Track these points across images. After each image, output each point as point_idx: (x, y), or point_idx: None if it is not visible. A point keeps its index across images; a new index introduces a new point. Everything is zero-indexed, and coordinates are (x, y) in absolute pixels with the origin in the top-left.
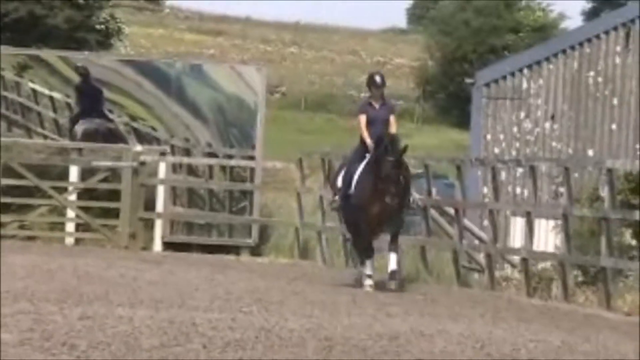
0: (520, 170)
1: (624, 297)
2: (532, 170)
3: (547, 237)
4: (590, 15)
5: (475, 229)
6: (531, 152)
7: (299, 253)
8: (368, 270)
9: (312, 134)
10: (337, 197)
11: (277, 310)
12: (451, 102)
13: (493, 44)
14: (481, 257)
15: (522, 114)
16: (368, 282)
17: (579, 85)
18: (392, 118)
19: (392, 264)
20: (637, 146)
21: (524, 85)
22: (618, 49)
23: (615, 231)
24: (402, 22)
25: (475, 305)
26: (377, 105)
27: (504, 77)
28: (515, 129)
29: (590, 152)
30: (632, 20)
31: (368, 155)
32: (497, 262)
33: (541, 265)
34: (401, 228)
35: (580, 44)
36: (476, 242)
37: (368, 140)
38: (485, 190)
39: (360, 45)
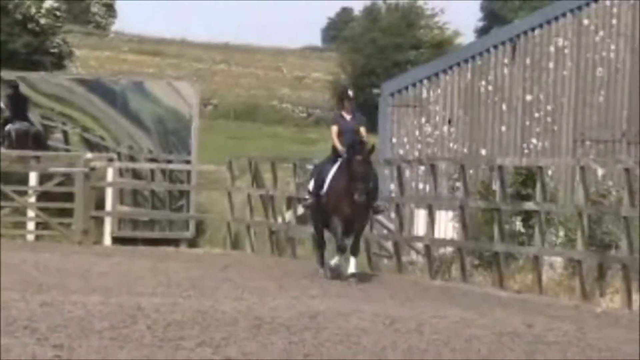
0: (422, 168)
1: (514, 277)
2: (433, 168)
3: (447, 226)
4: (481, 32)
5: (384, 221)
6: (431, 153)
7: (231, 244)
8: (352, 268)
9: (240, 140)
10: (308, 197)
11: (211, 294)
12: (361, 110)
13: (397, 59)
14: (390, 245)
15: (423, 120)
16: (352, 279)
17: (472, 94)
18: (362, 129)
19: (352, 267)
20: (524, 145)
21: (424, 94)
22: (506, 61)
23: (506, 220)
24: (317, 41)
25: (385, 287)
26: (348, 117)
27: (407, 88)
28: (417, 133)
29: (483, 152)
30: (518, 36)
31: (340, 160)
32: (404, 249)
33: (442, 251)
34: (363, 231)
35: (473, 57)
36: (385, 232)
37: (340, 147)
38: (392, 186)
39: (281, 62)
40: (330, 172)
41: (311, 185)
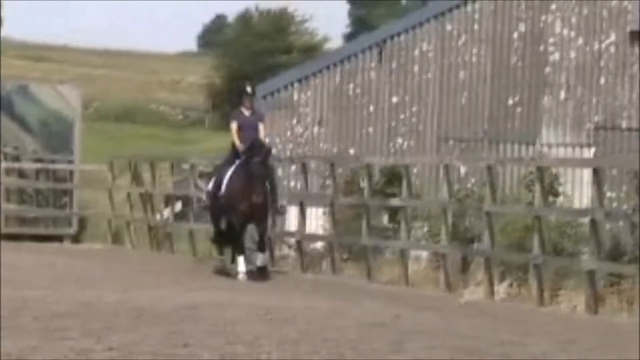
0: (293, 167)
1: (382, 270)
2: (304, 166)
3: (318, 222)
4: (349, 37)
5: None
6: (302, 152)
7: (111, 239)
8: (241, 267)
9: (120, 141)
10: (204, 198)
11: (94, 287)
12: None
13: (269, 63)
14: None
15: (295, 121)
16: (242, 276)
17: (341, 96)
18: (261, 126)
19: (259, 261)
20: (391, 145)
21: (295, 96)
22: (373, 64)
23: (374, 215)
24: (193, 46)
25: (253, 276)
26: (247, 113)
27: (279, 90)
28: (289, 133)
29: (352, 151)
30: (384, 41)
31: (237, 160)
32: (277, 244)
33: (313, 246)
34: (267, 230)
35: (342, 61)
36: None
37: (238, 144)
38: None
39: (158, 66)
40: (228, 173)
41: (210, 185)
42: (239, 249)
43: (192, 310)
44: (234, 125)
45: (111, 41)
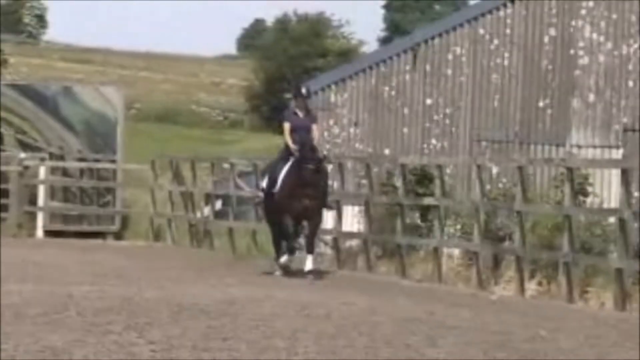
0: (330, 166)
1: (415, 267)
2: (340, 166)
3: (353, 220)
4: (384, 41)
5: None
6: (339, 152)
7: (153, 237)
8: (286, 260)
9: (162, 142)
10: (260, 194)
11: (136, 283)
12: (274, 113)
13: (306, 66)
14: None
15: (331, 122)
16: (310, 275)
17: (376, 98)
18: (314, 126)
19: (309, 264)
20: (425, 145)
21: (332, 98)
22: (407, 68)
23: (408, 214)
24: (232, 49)
25: (297, 277)
26: (301, 114)
27: (316, 92)
28: (326, 134)
29: (387, 151)
30: (418, 44)
31: (292, 159)
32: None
33: (348, 243)
34: (318, 229)
35: (377, 64)
36: None
37: (292, 146)
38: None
39: (199, 69)
40: (282, 171)
41: (264, 183)
42: (291, 249)
43: (231, 305)
44: (286, 126)
45: (153, 44)
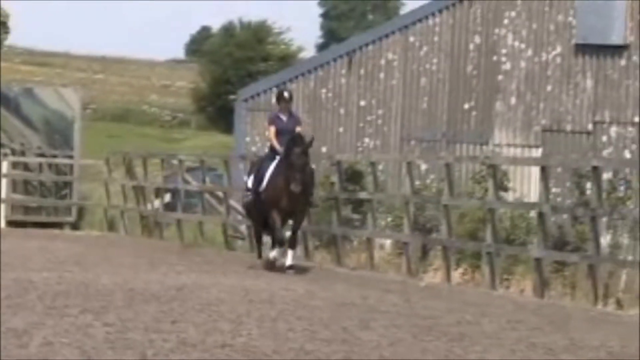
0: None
1: (350, 256)
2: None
3: None
4: (322, 47)
5: (239, 207)
6: (280, 150)
7: (107, 227)
8: (275, 254)
9: (115, 139)
10: (248, 193)
11: (92, 270)
12: (219, 114)
13: (249, 70)
14: (243, 228)
15: None
16: (290, 270)
17: (314, 100)
18: (298, 129)
19: (289, 260)
20: (359, 144)
21: (273, 100)
22: (343, 72)
23: (343, 207)
24: (181, 54)
25: (240, 264)
26: (284, 118)
27: (259, 94)
28: (267, 133)
29: (324, 149)
30: (353, 51)
31: (277, 157)
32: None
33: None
34: (301, 225)
35: (315, 69)
36: (239, 217)
37: (278, 148)
38: (246, 178)
39: (150, 72)
40: (269, 169)
41: (250, 181)
42: (279, 242)
43: (180, 291)
44: (272, 129)
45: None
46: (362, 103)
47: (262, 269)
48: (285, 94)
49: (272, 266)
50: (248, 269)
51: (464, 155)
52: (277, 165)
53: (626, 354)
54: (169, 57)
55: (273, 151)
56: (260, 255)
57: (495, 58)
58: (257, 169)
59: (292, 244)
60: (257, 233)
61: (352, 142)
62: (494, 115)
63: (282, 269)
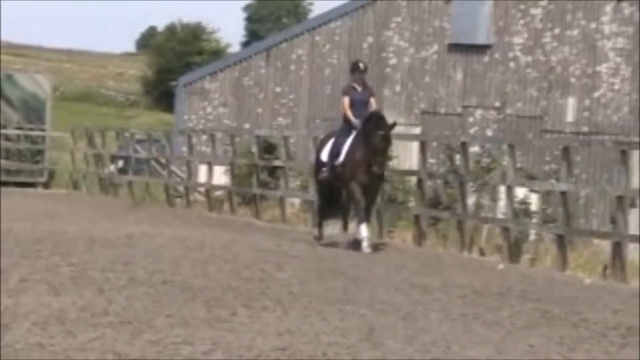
0: (204, 136)
1: (266, 212)
2: (212, 136)
3: (221, 176)
4: (245, 44)
5: (178, 172)
6: (212, 126)
7: (72, 187)
8: (364, 233)
9: (79, 116)
10: (324, 169)
11: (60, 221)
12: (163, 97)
13: (188, 61)
14: (182, 189)
15: (206, 103)
16: (366, 246)
17: (239, 86)
18: (372, 100)
19: (363, 232)
20: (274, 122)
21: (207, 85)
22: (262, 64)
23: (261, 173)
24: (132, 48)
25: (179, 218)
26: (359, 89)
27: (195, 81)
28: (201, 112)
29: (247, 126)
30: (271, 47)
31: (354, 132)
32: (191, 192)
33: (217, 193)
34: (375, 202)
35: (240, 61)
36: (178, 179)
37: (352, 119)
38: (184, 148)
39: (108, 63)
40: (346, 143)
41: (324, 156)
42: (361, 216)
43: (130, 238)
44: (345, 100)
45: (73, 43)
46: (278, 89)
47: (344, 249)
48: (361, 65)
49: (357, 246)
50: (124, 210)
51: None
52: (354, 140)
53: (487, 291)
54: (123, 50)
55: (348, 124)
56: (321, 237)
57: (384, 54)
58: (334, 144)
59: (367, 217)
60: (320, 211)
61: (269, 121)
62: (383, 100)
63: (357, 246)
